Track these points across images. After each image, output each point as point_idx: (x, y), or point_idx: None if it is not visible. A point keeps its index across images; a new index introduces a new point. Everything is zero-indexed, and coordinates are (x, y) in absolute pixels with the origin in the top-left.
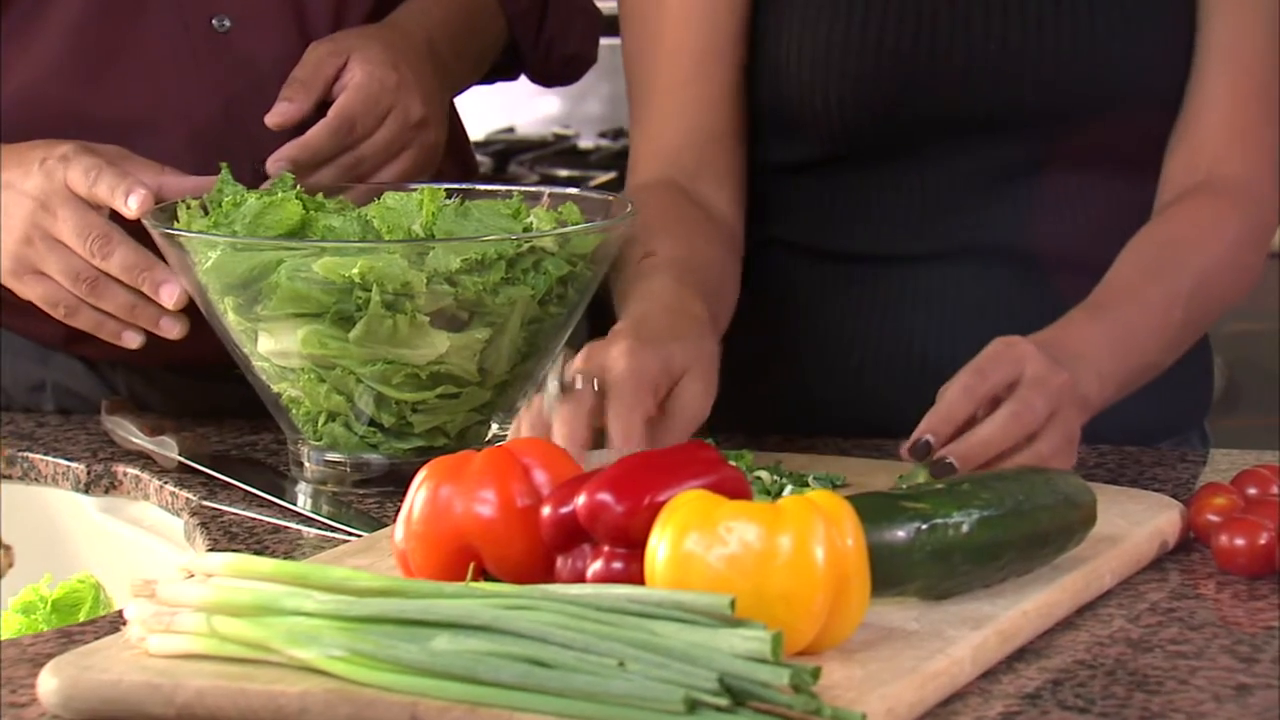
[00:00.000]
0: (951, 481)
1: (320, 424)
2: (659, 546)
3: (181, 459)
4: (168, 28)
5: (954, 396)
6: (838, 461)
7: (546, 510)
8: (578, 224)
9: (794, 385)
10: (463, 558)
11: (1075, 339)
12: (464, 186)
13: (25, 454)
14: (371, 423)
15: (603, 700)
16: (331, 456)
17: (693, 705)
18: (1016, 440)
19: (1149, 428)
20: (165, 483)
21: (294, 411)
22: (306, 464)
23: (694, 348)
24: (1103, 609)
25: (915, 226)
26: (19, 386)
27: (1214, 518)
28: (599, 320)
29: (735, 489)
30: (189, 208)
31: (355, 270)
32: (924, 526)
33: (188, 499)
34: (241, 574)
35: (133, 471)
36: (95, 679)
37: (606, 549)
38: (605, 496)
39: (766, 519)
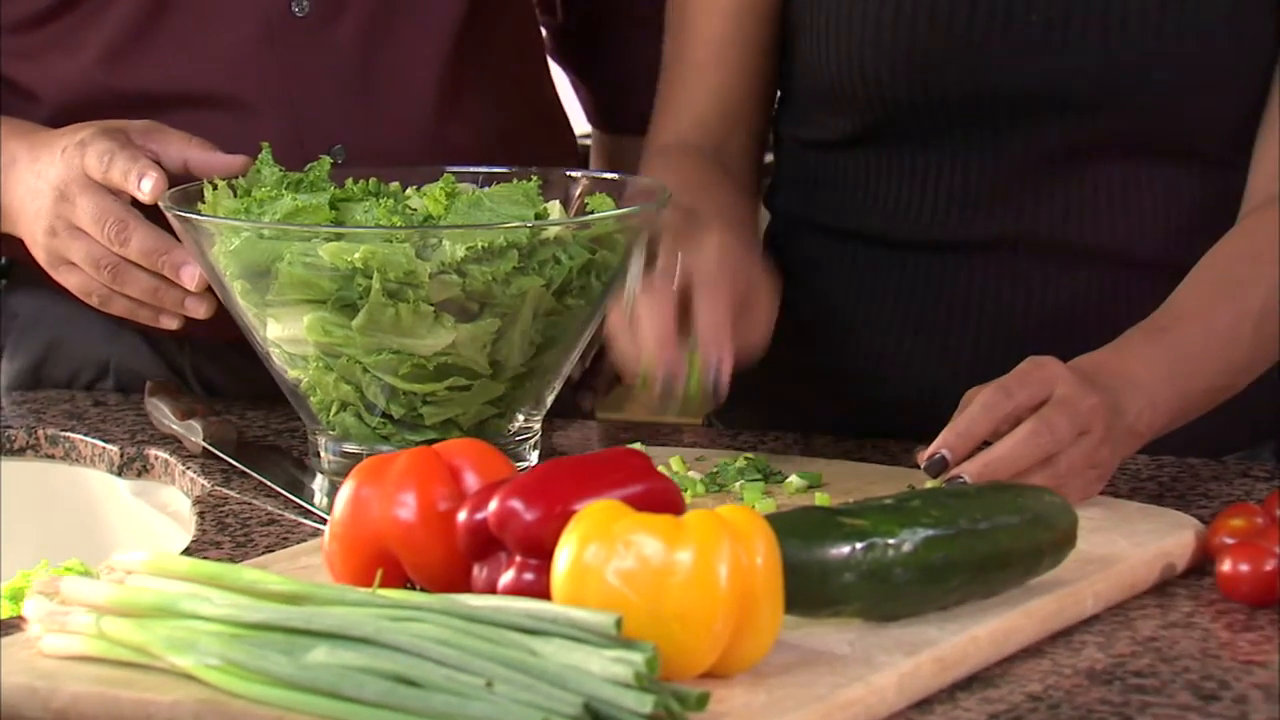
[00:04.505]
0: (901, 498)
1: (332, 413)
2: (560, 558)
3: (205, 444)
4: (246, 11)
5: (975, 412)
6: (853, 467)
7: (462, 516)
8: (608, 211)
9: (813, 372)
10: (381, 563)
11: (1129, 362)
12: (492, 170)
13: (67, 434)
14: (384, 414)
15: None
16: (348, 448)
17: None
18: (1034, 460)
19: (1201, 441)
20: (188, 468)
21: (310, 400)
22: (324, 454)
23: (761, 269)
24: (1078, 637)
25: (955, 214)
26: (86, 365)
27: (1227, 540)
28: None
29: (663, 501)
30: (215, 188)
31: (358, 256)
32: (860, 545)
33: (202, 485)
34: (159, 572)
35: (163, 455)
36: None
37: (519, 559)
38: (515, 503)
39: (668, 533)
